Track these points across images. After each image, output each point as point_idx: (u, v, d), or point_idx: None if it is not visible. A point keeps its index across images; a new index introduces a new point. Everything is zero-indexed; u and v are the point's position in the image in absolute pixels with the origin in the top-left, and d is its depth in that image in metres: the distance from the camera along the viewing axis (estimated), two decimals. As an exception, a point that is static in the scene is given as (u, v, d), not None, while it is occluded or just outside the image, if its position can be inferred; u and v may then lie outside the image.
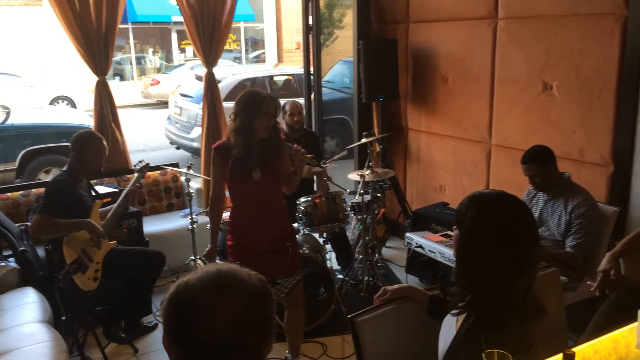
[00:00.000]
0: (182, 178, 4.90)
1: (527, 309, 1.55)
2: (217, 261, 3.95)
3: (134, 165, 3.84)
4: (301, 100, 5.68)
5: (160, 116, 11.82)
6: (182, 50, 20.87)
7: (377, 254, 4.53)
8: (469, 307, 1.60)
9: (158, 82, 15.81)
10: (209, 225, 3.16)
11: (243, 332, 1.10)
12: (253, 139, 2.81)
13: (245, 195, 2.93)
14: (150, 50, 21.13)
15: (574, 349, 1.39)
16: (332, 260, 4.47)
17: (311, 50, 5.61)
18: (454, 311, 1.66)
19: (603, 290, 2.58)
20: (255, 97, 2.80)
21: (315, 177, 4.53)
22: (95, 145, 3.51)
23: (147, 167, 3.80)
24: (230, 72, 9.67)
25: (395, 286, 2.03)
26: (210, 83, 5.13)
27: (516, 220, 1.55)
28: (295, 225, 3.71)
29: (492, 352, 1.34)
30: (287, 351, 3.24)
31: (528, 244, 1.55)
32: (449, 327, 1.67)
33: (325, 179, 4.40)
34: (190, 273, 1.17)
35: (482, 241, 1.55)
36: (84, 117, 8.25)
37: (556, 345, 2.07)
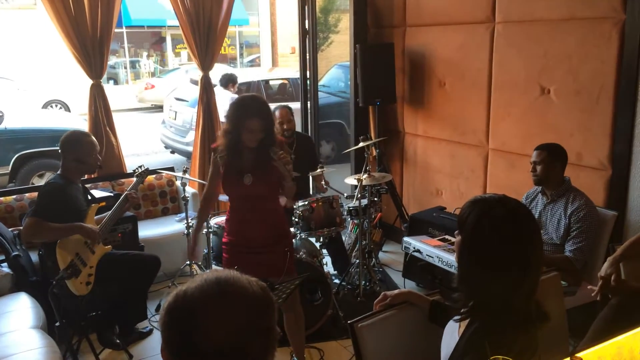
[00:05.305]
0: (178, 182, 4.87)
1: (531, 314, 1.53)
2: (214, 267, 3.92)
3: (134, 170, 3.81)
4: (297, 105, 5.65)
5: (155, 120, 11.76)
6: (177, 54, 20.83)
7: (374, 259, 4.51)
8: (472, 313, 1.58)
9: (153, 86, 15.77)
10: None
11: (246, 341, 1.07)
12: (240, 147, 2.81)
13: (237, 198, 2.95)
14: (145, 54, 21.06)
15: (577, 355, 1.37)
16: (328, 265, 4.44)
17: (307, 54, 5.60)
18: (456, 317, 1.63)
19: (604, 295, 2.57)
20: (242, 112, 2.75)
21: (311, 179, 4.51)
22: (87, 142, 3.49)
23: (147, 172, 3.79)
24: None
25: (396, 291, 2.01)
26: (206, 86, 5.11)
27: (518, 224, 1.53)
28: (292, 229, 3.68)
29: (497, 358, 1.32)
30: (291, 352, 3.21)
31: (531, 249, 1.52)
32: (452, 333, 1.65)
33: (322, 182, 4.37)
34: (189, 281, 1.14)
35: (484, 246, 1.52)
36: (77, 120, 8.18)
37: (557, 350, 2.05)
